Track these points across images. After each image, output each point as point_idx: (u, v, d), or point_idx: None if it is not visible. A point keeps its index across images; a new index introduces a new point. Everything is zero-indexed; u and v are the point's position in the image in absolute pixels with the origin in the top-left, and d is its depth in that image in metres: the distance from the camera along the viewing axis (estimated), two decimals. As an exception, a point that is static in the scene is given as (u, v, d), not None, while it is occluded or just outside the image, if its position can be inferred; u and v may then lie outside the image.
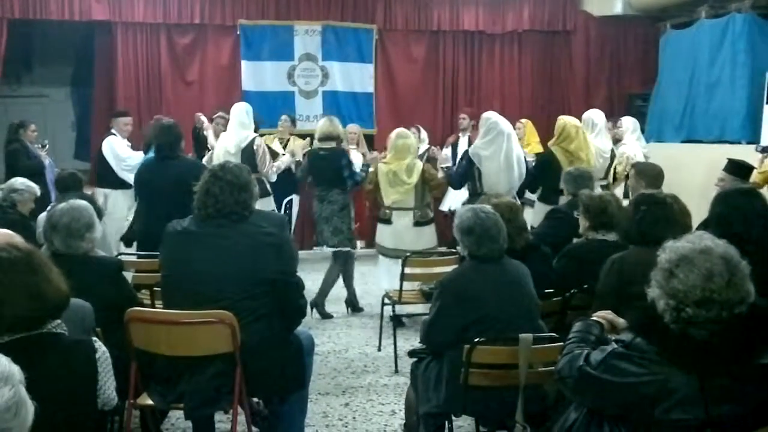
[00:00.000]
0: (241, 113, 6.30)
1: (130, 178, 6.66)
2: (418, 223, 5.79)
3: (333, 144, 6.01)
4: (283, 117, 8.08)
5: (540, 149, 7.25)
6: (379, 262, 6.05)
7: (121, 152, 6.87)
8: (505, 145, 5.75)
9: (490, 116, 5.96)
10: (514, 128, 7.12)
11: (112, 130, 7.07)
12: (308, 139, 7.32)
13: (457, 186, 6.18)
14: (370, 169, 5.98)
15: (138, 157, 6.72)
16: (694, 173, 6.85)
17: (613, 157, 6.44)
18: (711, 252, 2.03)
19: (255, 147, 6.17)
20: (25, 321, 2.06)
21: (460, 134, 8.42)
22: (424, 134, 8.34)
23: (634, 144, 6.92)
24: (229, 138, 6.24)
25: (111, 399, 2.27)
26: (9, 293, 2.03)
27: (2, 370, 1.51)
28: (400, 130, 6.10)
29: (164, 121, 5.43)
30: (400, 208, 5.78)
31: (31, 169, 6.48)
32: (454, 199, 7.47)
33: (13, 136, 7.02)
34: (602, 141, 6.40)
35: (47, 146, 7.35)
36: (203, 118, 7.37)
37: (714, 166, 5.36)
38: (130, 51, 8.60)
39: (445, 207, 8.02)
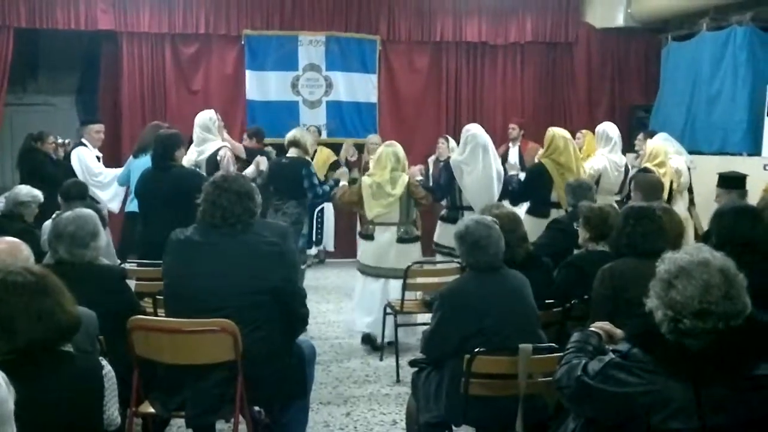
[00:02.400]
0: (197, 129, 5.99)
1: (101, 195, 6.48)
2: (401, 240, 5.44)
3: (297, 152, 5.80)
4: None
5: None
6: (357, 281, 5.68)
7: (92, 165, 6.47)
8: (482, 158, 5.71)
9: (470, 128, 5.93)
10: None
11: (83, 140, 6.65)
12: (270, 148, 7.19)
13: (439, 198, 6.01)
14: (342, 183, 5.80)
15: (110, 174, 6.59)
16: (695, 184, 6.86)
17: (627, 171, 6.35)
18: (709, 264, 2.06)
19: (218, 158, 5.86)
20: (38, 344, 2.08)
21: (510, 144, 8.35)
22: (453, 143, 8.23)
23: (676, 157, 6.68)
24: (191, 149, 5.97)
25: (114, 419, 2.28)
26: (21, 316, 2.06)
27: None
28: (389, 141, 5.83)
29: (161, 131, 5.42)
30: (383, 223, 5.45)
31: (55, 178, 6.26)
32: None
33: (31, 146, 6.90)
34: (617, 155, 6.36)
35: (69, 142, 7.11)
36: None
37: (715, 178, 5.38)
38: (135, 60, 8.65)
39: None
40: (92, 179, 6.42)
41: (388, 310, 5.15)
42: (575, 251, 4.17)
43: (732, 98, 7.49)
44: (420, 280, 5.17)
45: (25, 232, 4.55)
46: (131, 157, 6.26)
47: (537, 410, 2.99)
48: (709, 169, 7.04)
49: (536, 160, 6.20)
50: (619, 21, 9.11)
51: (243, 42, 8.76)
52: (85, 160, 6.54)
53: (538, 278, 3.46)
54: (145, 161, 5.58)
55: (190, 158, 5.93)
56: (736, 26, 7.53)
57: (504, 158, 7.97)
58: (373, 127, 9.06)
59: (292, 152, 5.80)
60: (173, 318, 3.08)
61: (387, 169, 5.44)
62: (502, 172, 5.96)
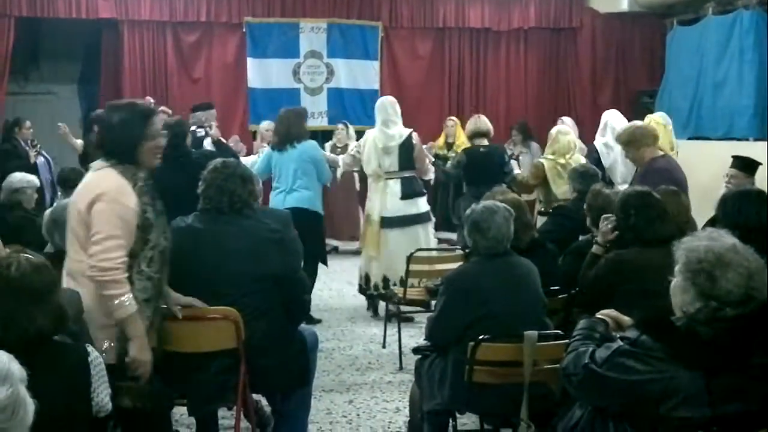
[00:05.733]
0: (385, 110, 5.86)
1: None
2: None
3: (486, 140, 6.09)
4: (340, 126, 8.11)
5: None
6: None
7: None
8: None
9: (606, 113, 6.49)
10: (445, 126, 8.21)
11: (197, 128, 5.96)
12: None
13: None
14: (517, 173, 6.20)
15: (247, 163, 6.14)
16: (701, 170, 6.81)
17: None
18: (739, 251, 2.03)
19: (414, 142, 5.78)
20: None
21: None
22: (352, 131, 8.20)
23: None
24: (380, 136, 5.79)
25: (105, 404, 2.23)
26: None
27: (1, 368, 1.47)
28: (561, 126, 6.40)
29: (173, 118, 5.33)
30: (568, 199, 5.83)
31: (20, 169, 6.17)
32: None
33: (7, 135, 6.85)
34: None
35: (38, 146, 7.02)
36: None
37: (721, 163, 5.31)
38: (136, 48, 8.64)
39: None
40: None
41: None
42: (581, 237, 4.14)
43: (738, 83, 7.43)
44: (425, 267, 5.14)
45: (26, 220, 4.53)
46: (269, 149, 5.75)
47: (542, 398, 2.96)
48: (715, 154, 6.99)
49: None
50: (624, 5, 9.04)
51: (244, 29, 8.73)
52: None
53: (542, 265, 3.41)
54: (296, 154, 5.40)
55: (377, 138, 5.74)
56: (743, 10, 7.45)
57: None
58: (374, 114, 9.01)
59: (480, 141, 6.07)
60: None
61: (567, 154, 5.95)
62: None
